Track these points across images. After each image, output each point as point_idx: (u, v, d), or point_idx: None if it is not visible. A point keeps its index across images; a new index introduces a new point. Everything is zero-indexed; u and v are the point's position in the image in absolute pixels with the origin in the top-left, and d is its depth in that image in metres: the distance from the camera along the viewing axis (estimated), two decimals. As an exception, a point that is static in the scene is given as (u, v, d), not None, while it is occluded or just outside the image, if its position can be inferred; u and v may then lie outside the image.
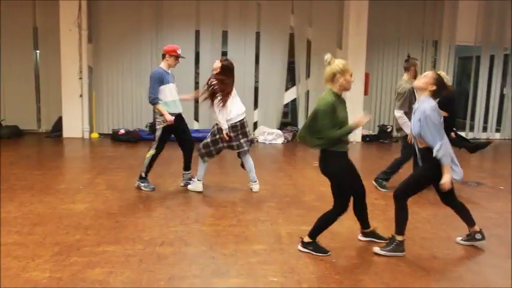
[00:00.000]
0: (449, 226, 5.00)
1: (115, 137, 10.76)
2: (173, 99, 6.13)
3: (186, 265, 3.82)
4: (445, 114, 5.83)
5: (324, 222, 4.13)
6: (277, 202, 5.79)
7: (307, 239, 4.17)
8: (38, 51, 11.50)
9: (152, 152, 6.12)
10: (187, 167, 6.41)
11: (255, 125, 11.97)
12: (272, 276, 3.63)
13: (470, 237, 4.44)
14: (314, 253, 4.10)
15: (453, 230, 4.85)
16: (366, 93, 11.66)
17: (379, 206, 5.74)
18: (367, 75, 11.64)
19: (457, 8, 12.39)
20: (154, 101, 6.02)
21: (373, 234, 4.48)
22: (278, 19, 11.65)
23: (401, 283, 3.60)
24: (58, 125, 11.02)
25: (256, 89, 11.93)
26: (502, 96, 13.22)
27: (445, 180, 3.94)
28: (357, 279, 3.64)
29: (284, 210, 5.41)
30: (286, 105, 12.97)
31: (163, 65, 6.13)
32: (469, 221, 4.42)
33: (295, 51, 11.91)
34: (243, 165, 6.25)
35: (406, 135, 6.08)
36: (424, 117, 3.92)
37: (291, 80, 12.61)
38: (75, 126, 10.92)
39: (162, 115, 6.01)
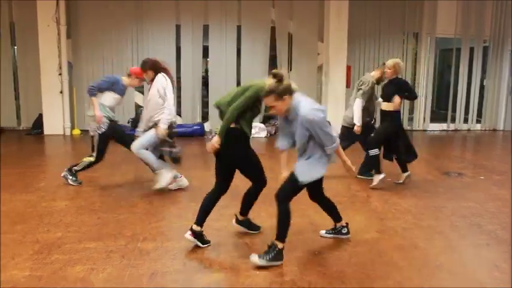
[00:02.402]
0: (430, 216, 5.06)
1: (97, 134, 10.65)
2: (110, 105, 6.06)
3: (168, 260, 3.80)
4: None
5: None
6: (260, 195, 5.76)
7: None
8: (15, 47, 11.34)
9: (92, 159, 6.09)
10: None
11: (238, 119, 11.93)
12: (255, 269, 3.64)
13: (336, 231, 4.36)
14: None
15: (434, 220, 4.92)
16: (347, 85, 11.72)
17: (360, 197, 5.78)
18: (348, 68, 11.71)
19: (437, 0, 12.51)
20: (90, 91, 5.92)
21: (246, 223, 4.56)
22: (259, 12, 11.62)
23: (382, 273, 3.63)
24: (38, 122, 10.90)
25: (238, 83, 11.90)
26: (482, 88, 13.39)
27: None
28: (339, 271, 3.65)
29: (267, 204, 5.39)
30: (269, 99, 12.94)
31: (125, 79, 6.11)
32: (335, 216, 4.33)
33: (277, 44, 11.90)
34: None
35: None
36: None
37: (273, 73, 12.59)
38: (56, 123, 10.81)
39: (95, 117, 5.91)
